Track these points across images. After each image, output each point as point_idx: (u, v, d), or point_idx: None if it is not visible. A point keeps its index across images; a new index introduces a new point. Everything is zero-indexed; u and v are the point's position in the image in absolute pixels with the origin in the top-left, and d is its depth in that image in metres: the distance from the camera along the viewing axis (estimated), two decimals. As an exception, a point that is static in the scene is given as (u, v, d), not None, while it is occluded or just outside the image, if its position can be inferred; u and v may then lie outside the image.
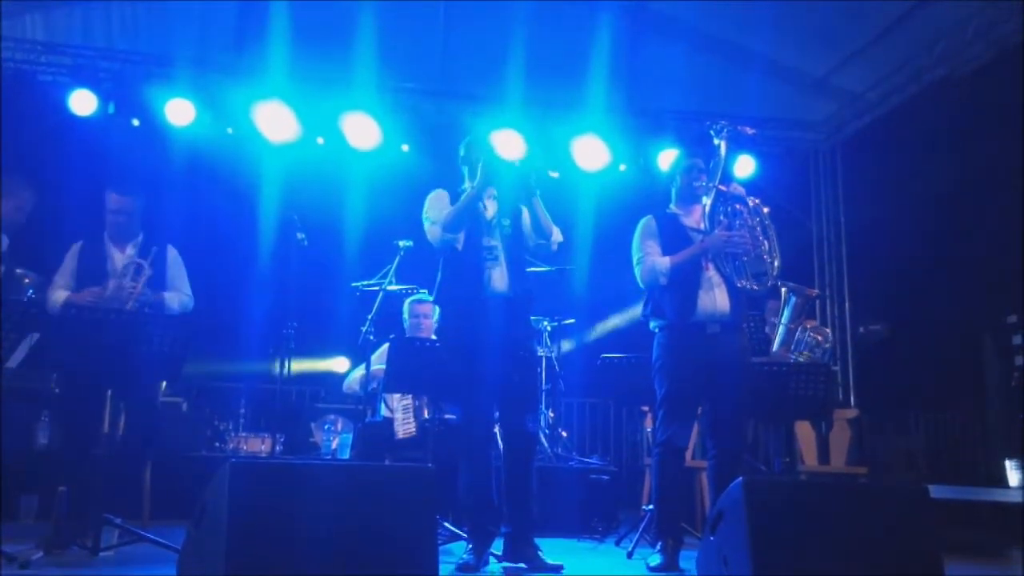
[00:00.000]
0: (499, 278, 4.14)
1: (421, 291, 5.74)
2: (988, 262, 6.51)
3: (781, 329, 5.52)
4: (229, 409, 6.99)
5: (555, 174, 4.23)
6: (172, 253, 4.85)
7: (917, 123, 7.13)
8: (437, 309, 5.72)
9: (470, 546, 4.01)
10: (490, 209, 4.28)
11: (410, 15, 7.02)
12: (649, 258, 4.26)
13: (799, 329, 5.54)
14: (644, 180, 7.69)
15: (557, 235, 4.28)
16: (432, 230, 4.22)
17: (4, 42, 6.88)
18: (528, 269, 4.52)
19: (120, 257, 4.71)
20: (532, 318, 4.80)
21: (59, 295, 4.57)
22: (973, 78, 6.49)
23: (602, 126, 7.68)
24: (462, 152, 4.45)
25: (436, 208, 4.23)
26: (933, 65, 6.80)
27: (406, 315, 5.71)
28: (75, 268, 4.70)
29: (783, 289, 5.43)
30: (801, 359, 5.40)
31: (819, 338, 5.53)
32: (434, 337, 5.57)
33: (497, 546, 4.12)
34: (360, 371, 5.53)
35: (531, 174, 4.16)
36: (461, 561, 3.93)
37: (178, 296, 4.76)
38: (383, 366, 4.98)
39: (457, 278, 4.19)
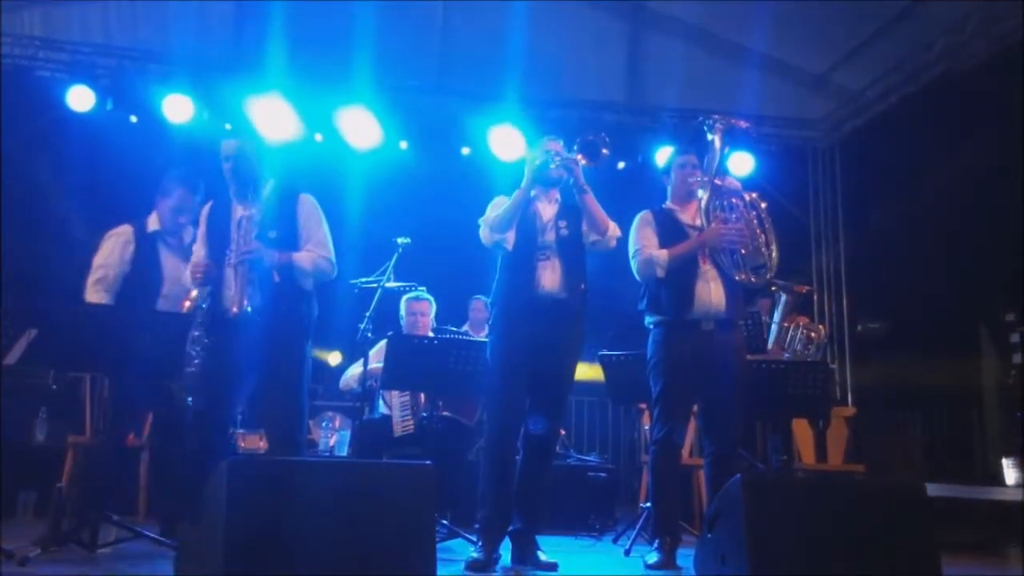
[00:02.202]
0: (550, 279, 4.08)
1: (419, 288, 5.74)
2: (986, 260, 6.51)
3: (773, 327, 5.53)
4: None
5: (606, 152, 4.16)
6: (307, 202, 4.10)
7: (916, 121, 7.12)
8: (434, 306, 5.74)
9: (480, 543, 3.99)
10: (548, 211, 4.24)
11: (409, 12, 7.03)
12: (646, 250, 4.24)
13: (792, 326, 5.55)
14: (641, 177, 7.69)
15: (614, 230, 4.20)
16: (482, 232, 4.21)
17: (3, 38, 6.87)
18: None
19: (241, 219, 3.99)
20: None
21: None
22: (972, 75, 6.48)
23: (600, 123, 7.68)
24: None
25: (491, 212, 4.22)
26: (932, 63, 6.80)
27: (403, 312, 5.71)
28: (205, 232, 4.10)
29: (772, 287, 5.43)
30: (795, 357, 5.41)
31: (812, 335, 5.53)
32: (431, 334, 5.57)
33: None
34: (357, 368, 5.53)
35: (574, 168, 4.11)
36: (471, 559, 3.91)
37: (311, 256, 3.99)
38: (380, 364, 4.98)
39: (509, 277, 4.17)
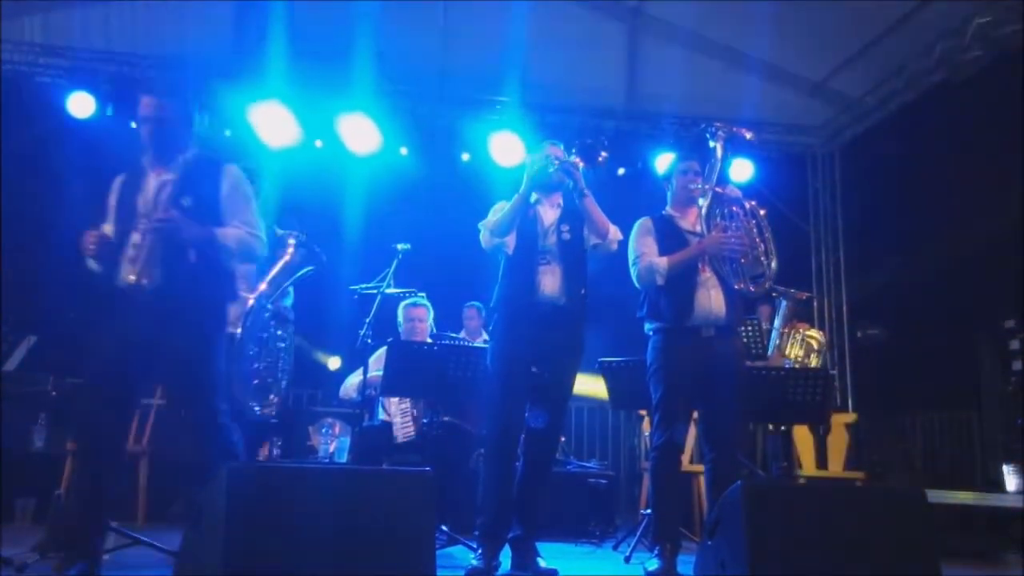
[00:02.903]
0: (551, 283, 4.08)
1: (419, 295, 5.73)
2: (985, 266, 6.52)
3: (773, 334, 5.53)
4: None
5: (604, 155, 4.15)
6: (232, 173, 3.55)
7: (915, 127, 7.13)
8: (431, 312, 5.73)
9: (480, 551, 3.98)
10: (550, 216, 4.23)
11: (409, 18, 7.03)
12: (646, 257, 4.22)
13: (792, 333, 5.54)
14: (640, 183, 7.69)
15: (615, 233, 4.19)
16: (482, 235, 4.21)
17: (3, 44, 6.88)
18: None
19: (154, 185, 3.47)
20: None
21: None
22: (972, 82, 6.49)
23: (600, 129, 7.68)
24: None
25: (492, 216, 4.22)
26: (931, 69, 6.80)
27: (400, 319, 5.71)
28: (115, 206, 3.57)
29: (773, 294, 5.43)
30: (795, 363, 5.41)
31: (813, 342, 5.53)
32: (429, 340, 5.57)
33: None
34: (356, 377, 5.52)
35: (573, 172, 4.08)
36: (471, 566, 3.90)
37: (237, 233, 3.45)
38: (380, 373, 4.97)
39: (510, 282, 4.16)
